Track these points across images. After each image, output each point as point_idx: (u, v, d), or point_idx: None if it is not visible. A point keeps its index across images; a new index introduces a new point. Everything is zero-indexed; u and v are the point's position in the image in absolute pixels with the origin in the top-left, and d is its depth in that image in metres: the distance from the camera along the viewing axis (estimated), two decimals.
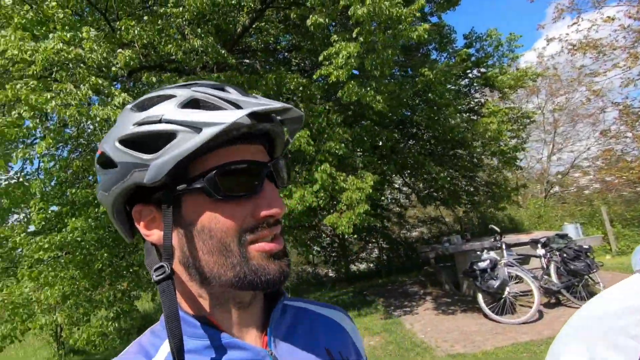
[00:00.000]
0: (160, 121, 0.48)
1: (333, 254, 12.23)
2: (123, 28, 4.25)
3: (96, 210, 4.64)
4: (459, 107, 7.51)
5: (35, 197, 4.57)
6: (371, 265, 12.88)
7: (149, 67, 5.21)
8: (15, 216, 6.43)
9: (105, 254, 4.43)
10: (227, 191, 0.49)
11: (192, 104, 0.50)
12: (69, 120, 3.53)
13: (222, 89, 0.53)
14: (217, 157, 0.50)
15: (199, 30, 4.76)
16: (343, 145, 5.42)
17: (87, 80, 3.53)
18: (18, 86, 3.38)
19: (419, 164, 7.25)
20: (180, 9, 4.68)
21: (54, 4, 4.03)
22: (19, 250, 5.04)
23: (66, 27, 3.88)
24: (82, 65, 3.65)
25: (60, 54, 3.51)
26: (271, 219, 0.51)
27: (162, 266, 0.49)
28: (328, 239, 11.60)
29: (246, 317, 0.55)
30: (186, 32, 4.69)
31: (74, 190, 4.58)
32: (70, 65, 3.59)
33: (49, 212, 5.11)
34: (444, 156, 8.13)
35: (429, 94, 6.52)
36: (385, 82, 5.63)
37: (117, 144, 0.49)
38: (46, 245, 4.30)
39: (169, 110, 0.49)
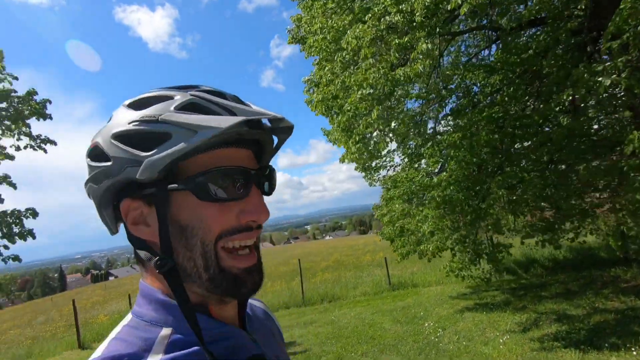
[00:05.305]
0: (157, 121, 0.50)
1: None
2: None
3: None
4: None
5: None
6: None
7: None
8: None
9: (462, 196, 4.69)
10: (215, 194, 0.51)
11: (189, 107, 0.52)
12: (378, 85, 4.08)
13: (220, 95, 0.55)
14: (207, 159, 0.52)
15: None
16: None
17: (394, 42, 3.85)
18: (362, 72, 4.37)
19: None
20: None
21: None
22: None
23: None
24: (390, 31, 4.01)
25: (372, 32, 4.07)
26: (254, 224, 0.55)
27: (163, 259, 0.51)
28: None
29: (229, 307, 0.59)
30: None
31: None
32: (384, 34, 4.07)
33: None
34: None
35: None
36: None
37: (112, 139, 0.51)
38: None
39: (166, 112, 0.51)
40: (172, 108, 0.51)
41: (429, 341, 5.64)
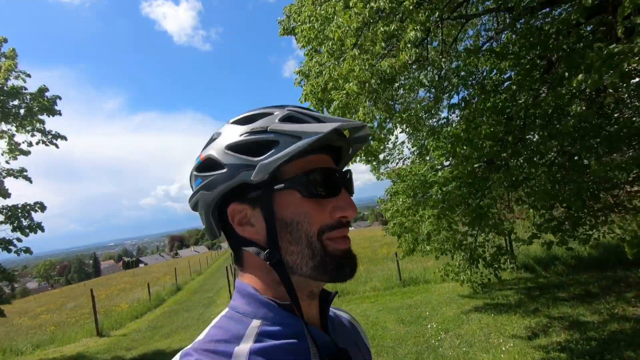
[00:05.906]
0: (266, 131, 0.58)
1: None
2: None
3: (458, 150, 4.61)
4: None
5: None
6: None
7: None
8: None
9: (461, 195, 4.31)
10: (315, 191, 0.58)
11: (289, 119, 0.60)
12: (364, 79, 3.75)
13: (309, 110, 0.63)
14: (303, 163, 0.59)
15: None
16: None
17: (380, 31, 3.51)
18: (348, 63, 4.06)
19: None
20: None
21: None
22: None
23: None
24: (380, 17, 3.66)
25: (358, 20, 3.74)
26: (344, 220, 0.60)
27: (272, 251, 0.58)
28: None
29: (313, 306, 0.63)
30: None
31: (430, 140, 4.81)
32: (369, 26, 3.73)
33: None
34: None
35: None
36: None
37: (226, 150, 0.59)
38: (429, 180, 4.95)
39: (272, 123, 0.59)
40: (276, 120, 0.59)
41: (428, 345, 5.36)
